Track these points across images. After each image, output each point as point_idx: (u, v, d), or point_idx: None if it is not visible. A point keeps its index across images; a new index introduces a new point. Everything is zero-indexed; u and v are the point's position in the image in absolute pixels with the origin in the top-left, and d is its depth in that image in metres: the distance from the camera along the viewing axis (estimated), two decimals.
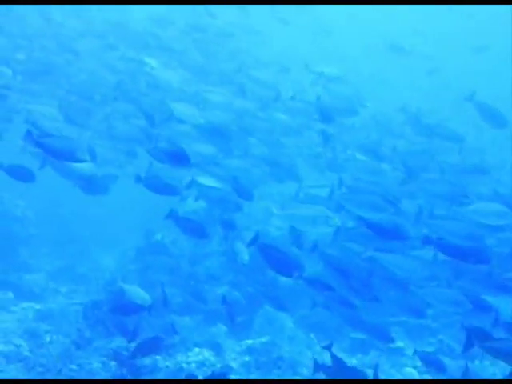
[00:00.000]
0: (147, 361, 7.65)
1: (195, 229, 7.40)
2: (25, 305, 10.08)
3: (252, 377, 7.85)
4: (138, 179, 7.36)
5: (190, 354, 8.19)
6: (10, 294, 10.46)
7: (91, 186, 7.85)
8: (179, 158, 6.83)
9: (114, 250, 14.19)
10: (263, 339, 8.49)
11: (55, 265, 13.09)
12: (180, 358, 8.03)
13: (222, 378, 6.80)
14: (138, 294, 7.14)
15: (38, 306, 10.06)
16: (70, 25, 11.57)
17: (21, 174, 7.24)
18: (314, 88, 9.81)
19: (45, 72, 9.96)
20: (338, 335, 9.00)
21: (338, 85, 9.81)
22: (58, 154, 6.12)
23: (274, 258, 6.13)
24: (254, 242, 6.18)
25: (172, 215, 7.40)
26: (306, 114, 9.09)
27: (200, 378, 7.14)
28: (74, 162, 6.45)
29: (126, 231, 14.73)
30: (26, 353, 7.76)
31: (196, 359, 8.01)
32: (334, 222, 6.51)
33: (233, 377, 7.68)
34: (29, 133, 5.99)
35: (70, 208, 15.66)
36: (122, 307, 7.09)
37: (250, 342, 8.53)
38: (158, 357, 8.10)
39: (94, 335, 8.26)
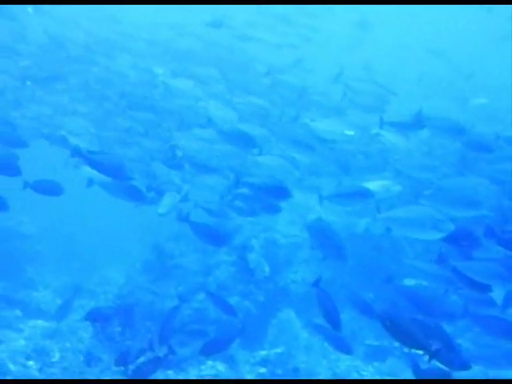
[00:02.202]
0: (159, 375, 7.47)
1: (212, 235, 7.20)
2: (33, 322, 9.91)
3: None
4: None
5: (202, 367, 8.01)
6: (18, 312, 10.30)
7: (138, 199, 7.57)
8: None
9: (121, 264, 14.02)
10: (278, 350, 8.30)
11: (62, 281, 12.91)
12: (192, 371, 7.84)
13: None
14: None
15: (46, 324, 9.89)
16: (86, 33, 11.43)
17: (48, 189, 7.14)
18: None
19: (57, 79, 9.84)
20: (353, 342, 8.80)
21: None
22: (105, 170, 6.16)
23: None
24: None
25: (184, 219, 7.12)
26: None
27: None
28: (122, 179, 6.46)
29: (133, 243, 14.59)
30: (35, 372, 7.58)
31: (209, 373, 7.83)
32: (448, 227, 5.64)
33: None
34: (76, 149, 5.96)
35: (74, 223, 15.52)
36: None
37: (264, 353, 8.33)
38: (169, 371, 7.93)
39: (104, 352, 8.09)
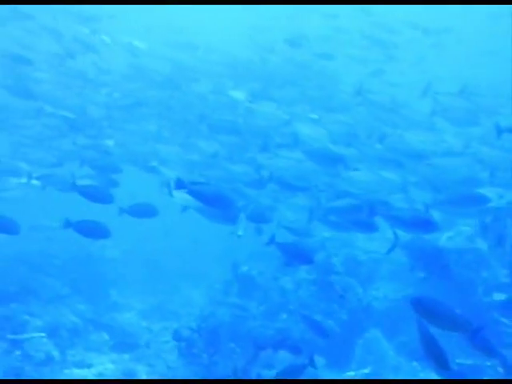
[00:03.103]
0: None
1: (300, 255, 7.12)
2: (119, 345, 10.07)
3: None
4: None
5: None
6: (105, 336, 10.50)
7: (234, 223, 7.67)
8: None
9: (201, 284, 14.15)
10: (365, 370, 8.08)
11: (146, 303, 13.13)
12: None
13: None
14: None
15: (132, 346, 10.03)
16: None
17: (143, 212, 7.33)
18: None
19: (141, 105, 10.10)
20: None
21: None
22: (207, 200, 6.35)
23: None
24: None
25: (270, 240, 7.09)
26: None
27: None
28: (222, 208, 6.62)
29: (212, 264, 14.70)
30: None
31: None
32: None
33: None
34: (179, 180, 6.18)
35: (154, 244, 15.79)
36: None
37: (351, 373, 8.13)
38: None
39: (190, 372, 8.12)
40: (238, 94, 9.47)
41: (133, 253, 14.12)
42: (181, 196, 6.59)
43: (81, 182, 7.41)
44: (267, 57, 11.87)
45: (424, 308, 4.98)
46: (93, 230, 6.90)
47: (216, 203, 6.41)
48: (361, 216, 6.98)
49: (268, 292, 10.52)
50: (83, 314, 10.95)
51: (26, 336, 9.04)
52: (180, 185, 6.19)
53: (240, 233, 7.55)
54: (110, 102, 9.99)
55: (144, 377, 8.84)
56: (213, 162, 8.48)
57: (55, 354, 9.18)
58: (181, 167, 8.63)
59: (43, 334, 9.19)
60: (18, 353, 8.71)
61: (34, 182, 8.14)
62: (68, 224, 6.74)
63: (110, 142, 9.01)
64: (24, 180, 8.39)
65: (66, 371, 8.90)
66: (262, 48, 12.41)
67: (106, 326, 10.89)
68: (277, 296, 10.42)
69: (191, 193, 6.25)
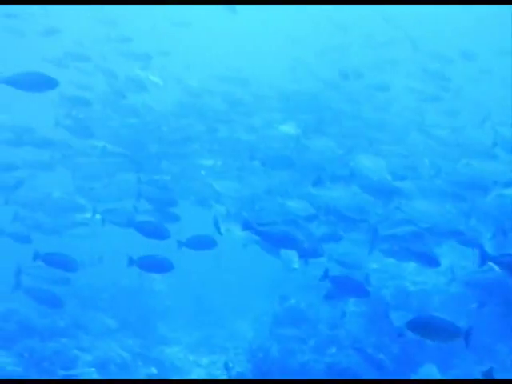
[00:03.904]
0: None
1: (355, 288, 7.04)
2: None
3: None
4: None
5: None
6: (154, 370, 10.49)
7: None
8: None
9: (248, 317, 14.06)
10: None
11: (193, 336, 13.13)
12: None
13: None
14: None
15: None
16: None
17: (202, 244, 7.41)
18: None
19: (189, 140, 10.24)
20: None
21: None
22: (274, 241, 6.51)
23: None
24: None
25: (327, 276, 7.04)
26: None
27: None
28: (291, 248, 6.79)
29: (258, 296, 14.60)
30: None
31: None
32: None
33: None
34: (247, 221, 6.30)
35: (201, 277, 15.81)
36: None
37: None
38: None
39: None
40: (290, 128, 9.48)
41: (179, 286, 14.13)
42: (239, 233, 6.66)
43: (139, 218, 7.54)
44: (318, 89, 11.85)
45: (418, 326, 5.45)
46: (156, 265, 6.93)
47: (284, 244, 6.53)
48: (421, 246, 6.89)
49: (317, 325, 10.38)
50: (132, 349, 10.99)
51: (76, 372, 9.10)
52: (247, 226, 6.27)
53: (296, 266, 7.53)
54: (162, 138, 10.11)
55: None
56: (266, 196, 8.50)
57: None
58: (235, 202, 8.68)
59: (93, 370, 9.23)
60: None
61: (98, 216, 8.30)
62: (131, 262, 6.79)
63: (166, 177, 9.14)
64: (88, 215, 8.57)
65: None
66: (313, 80, 12.44)
67: (154, 360, 10.89)
68: (325, 329, 10.27)
69: (258, 234, 6.34)
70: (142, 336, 11.94)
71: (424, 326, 5.53)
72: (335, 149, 8.59)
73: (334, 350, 9.62)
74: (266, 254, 8.36)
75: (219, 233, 7.28)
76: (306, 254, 7.19)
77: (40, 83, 6.92)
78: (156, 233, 7.27)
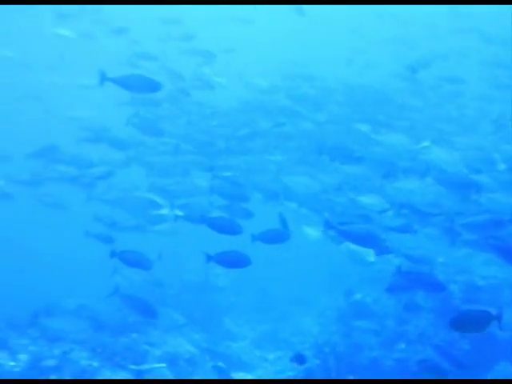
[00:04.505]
0: None
1: (430, 284, 6.92)
2: (238, 374, 10.14)
3: None
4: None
5: None
6: (222, 364, 10.58)
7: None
8: None
9: (312, 311, 14.03)
10: None
11: (258, 331, 13.18)
12: None
13: None
14: None
15: (249, 376, 10.08)
16: None
17: (275, 237, 7.45)
18: None
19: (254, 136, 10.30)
20: None
21: None
22: (356, 240, 6.54)
23: None
24: None
25: (400, 271, 6.96)
26: None
27: None
28: (372, 247, 6.87)
29: (322, 290, 14.55)
30: None
31: None
32: None
33: None
34: (328, 221, 6.39)
35: (263, 272, 15.86)
36: None
37: None
38: None
39: None
40: (358, 122, 9.39)
41: (243, 280, 14.21)
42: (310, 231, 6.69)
43: (212, 214, 7.63)
44: (384, 81, 11.67)
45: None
46: (233, 261, 6.96)
47: (366, 242, 6.51)
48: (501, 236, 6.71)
49: (384, 320, 10.26)
50: (199, 344, 11.13)
51: (147, 366, 9.29)
52: (328, 225, 6.33)
53: (372, 259, 7.49)
54: (229, 135, 10.17)
55: None
56: (337, 191, 8.45)
57: None
58: (305, 198, 8.67)
59: (164, 365, 9.41)
60: None
61: (178, 213, 8.44)
62: (209, 258, 6.85)
63: (237, 173, 9.20)
64: (165, 211, 8.74)
65: None
66: (378, 72, 12.27)
67: (221, 355, 11.01)
68: (393, 324, 10.14)
69: (340, 233, 6.39)
70: (208, 331, 12.10)
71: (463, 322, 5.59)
72: (406, 142, 8.44)
73: (402, 345, 9.49)
74: (331, 247, 8.36)
75: (286, 229, 7.27)
76: (381, 250, 7.13)
77: (144, 85, 7.17)
78: (228, 228, 7.30)
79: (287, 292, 14.89)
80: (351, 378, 8.72)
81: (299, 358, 7.34)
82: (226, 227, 7.29)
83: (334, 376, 9.23)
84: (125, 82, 7.06)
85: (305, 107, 10.57)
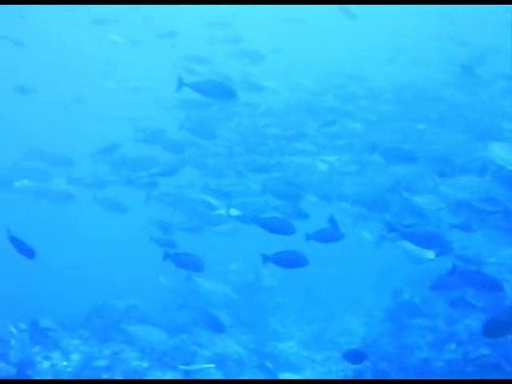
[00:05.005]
0: None
1: (487, 284, 6.80)
2: (285, 375, 10.15)
3: None
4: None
5: None
6: (269, 365, 10.61)
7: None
8: None
9: (358, 311, 13.93)
10: None
11: (305, 332, 13.15)
12: None
13: None
14: None
15: (296, 376, 10.08)
16: None
17: (329, 236, 7.43)
18: None
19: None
20: None
21: None
22: (418, 241, 6.57)
23: None
24: None
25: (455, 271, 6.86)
26: None
27: None
28: (435, 248, 6.89)
29: (368, 289, 14.42)
30: None
31: None
32: None
33: None
34: (390, 224, 6.51)
35: (309, 272, 15.78)
36: None
37: None
38: None
39: None
40: (409, 121, 9.28)
41: (289, 281, 14.21)
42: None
43: (266, 215, 7.65)
44: (432, 80, 11.50)
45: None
46: (290, 261, 6.94)
47: (428, 244, 6.51)
48: None
49: (433, 320, 10.09)
50: (246, 344, 11.17)
51: (196, 367, 9.38)
52: (391, 228, 6.36)
53: (431, 256, 7.41)
54: (280, 135, 10.17)
55: None
56: (391, 191, 8.37)
57: None
58: (358, 198, 8.60)
59: (213, 365, 9.48)
60: None
61: (235, 212, 8.50)
62: (266, 259, 6.84)
63: (289, 174, 9.21)
64: (222, 212, 8.82)
65: None
66: (425, 71, 12.11)
67: (269, 356, 11.02)
68: (443, 324, 9.97)
69: (404, 236, 6.37)
70: (255, 332, 12.13)
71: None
72: (460, 140, 8.30)
73: (453, 346, 9.32)
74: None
75: (337, 229, 7.21)
76: (442, 251, 7.05)
77: (220, 92, 7.31)
78: (281, 228, 7.28)
79: (334, 292, 14.80)
80: (401, 378, 8.61)
81: (356, 356, 7.21)
82: (279, 227, 7.26)
83: (382, 377, 9.14)
84: (201, 88, 7.19)
85: (354, 106, 10.50)
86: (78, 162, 10.88)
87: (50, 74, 20.01)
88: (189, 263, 7.43)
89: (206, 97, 7.55)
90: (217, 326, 7.94)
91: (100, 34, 15.27)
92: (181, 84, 7.29)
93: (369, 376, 8.79)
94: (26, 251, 6.29)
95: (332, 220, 7.25)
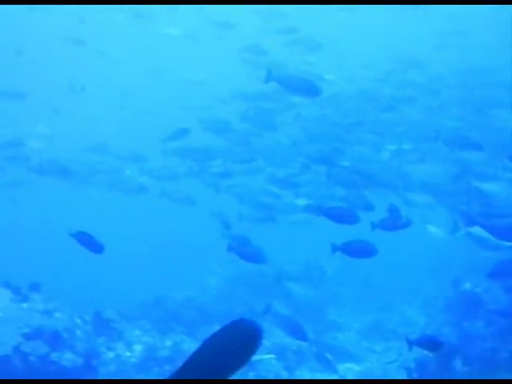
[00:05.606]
0: None
1: None
2: (345, 366, 10.11)
3: None
4: None
5: None
6: (329, 355, 10.58)
7: None
8: None
9: (417, 301, 13.74)
10: None
11: (363, 322, 13.05)
12: None
13: None
14: None
15: (357, 367, 10.02)
16: None
17: (344, 217, 7.34)
18: None
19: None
20: None
21: None
22: (499, 234, 6.27)
23: None
24: None
25: None
26: None
27: None
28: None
29: (427, 278, 14.19)
30: None
31: None
32: None
33: None
34: (468, 215, 6.36)
35: (366, 261, 15.64)
36: None
37: None
38: None
39: None
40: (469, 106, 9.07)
41: (346, 270, 14.11)
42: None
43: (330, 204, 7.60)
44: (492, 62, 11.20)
45: None
46: (360, 250, 6.86)
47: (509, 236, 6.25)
48: None
49: (496, 311, 9.86)
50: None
51: (257, 357, 9.43)
52: (471, 221, 6.20)
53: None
54: (339, 123, 10.06)
55: None
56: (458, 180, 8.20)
57: (284, 374, 9.48)
58: (425, 187, 8.46)
59: (273, 356, 9.52)
60: (251, 374, 9.13)
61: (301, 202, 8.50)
62: (335, 248, 6.78)
63: (353, 163, 9.12)
64: (302, 202, 8.82)
65: None
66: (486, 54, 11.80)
67: (328, 347, 10.98)
68: (506, 314, 9.72)
69: (484, 227, 6.14)
70: (313, 322, 12.08)
71: None
72: None
73: None
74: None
75: (398, 220, 7.08)
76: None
77: (306, 88, 7.28)
78: (346, 218, 7.19)
79: (390, 281, 14.63)
80: (466, 369, 8.45)
81: (432, 343, 6.99)
82: (343, 216, 7.17)
83: (446, 369, 8.98)
84: (288, 83, 7.16)
85: (415, 94, 10.30)
86: (148, 155, 10.92)
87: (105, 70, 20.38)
88: (253, 255, 7.44)
89: (290, 92, 7.49)
90: (301, 336, 7.90)
91: (153, 29, 15.45)
92: (269, 77, 7.17)
93: (432, 367, 8.63)
94: (95, 246, 6.40)
95: (393, 209, 7.13)
